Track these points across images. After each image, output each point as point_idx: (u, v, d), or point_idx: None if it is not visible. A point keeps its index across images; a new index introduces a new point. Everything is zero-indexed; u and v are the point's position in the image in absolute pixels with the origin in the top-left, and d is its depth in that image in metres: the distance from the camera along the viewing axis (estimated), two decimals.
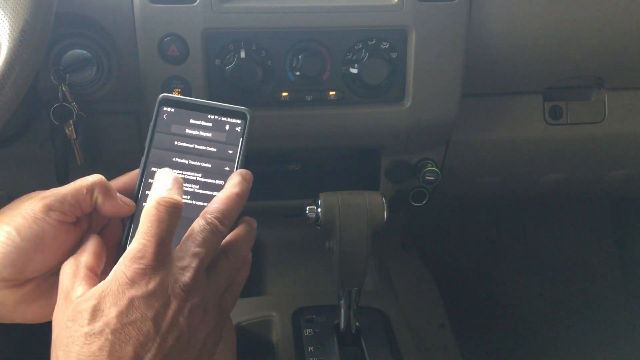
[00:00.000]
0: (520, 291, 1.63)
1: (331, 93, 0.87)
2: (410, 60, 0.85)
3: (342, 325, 0.90)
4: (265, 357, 0.95)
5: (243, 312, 0.98)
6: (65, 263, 0.55)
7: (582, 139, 1.03)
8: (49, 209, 0.55)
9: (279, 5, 0.82)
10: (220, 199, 0.58)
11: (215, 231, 0.56)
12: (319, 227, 0.80)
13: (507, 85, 0.98)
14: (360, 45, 0.85)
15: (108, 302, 0.50)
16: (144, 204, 0.60)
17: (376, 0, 0.83)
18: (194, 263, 0.53)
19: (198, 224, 0.56)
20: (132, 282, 0.50)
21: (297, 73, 0.84)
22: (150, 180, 0.61)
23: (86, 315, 0.49)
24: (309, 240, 1.18)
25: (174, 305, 0.51)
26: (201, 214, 0.56)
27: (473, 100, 0.96)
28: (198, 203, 0.61)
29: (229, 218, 0.57)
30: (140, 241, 0.52)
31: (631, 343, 1.51)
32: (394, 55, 0.85)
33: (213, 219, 0.56)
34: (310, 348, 0.90)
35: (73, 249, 0.58)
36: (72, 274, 0.54)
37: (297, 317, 0.96)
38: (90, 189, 0.57)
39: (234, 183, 0.59)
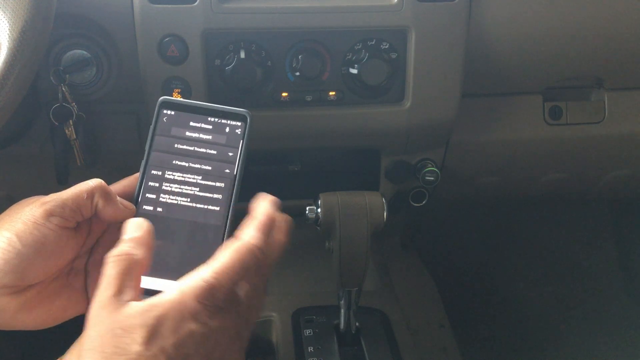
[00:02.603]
0: (520, 291, 1.63)
1: (331, 93, 0.87)
2: (410, 60, 0.85)
3: (342, 326, 0.90)
4: (265, 357, 0.95)
5: None
6: (114, 255, 0.52)
7: (582, 139, 1.03)
8: (49, 214, 0.55)
9: (278, 5, 0.82)
10: (275, 250, 0.57)
11: (264, 280, 0.56)
12: (318, 227, 0.80)
13: (507, 86, 0.98)
14: (360, 46, 0.85)
15: (167, 327, 0.48)
16: (144, 207, 0.60)
17: (376, 1, 0.83)
18: (249, 312, 0.54)
19: (259, 270, 0.55)
20: (196, 314, 0.49)
21: (297, 73, 0.84)
22: (150, 183, 0.61)
23: (142, 334, 0.48)
24: (309, 240, 1.18)
25: (222, 346, 0.51)
26: (264, 264, 0.55)
27: (473, 101, 0.96)
28: (198, 205, 0.61)
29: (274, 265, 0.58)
30: (217, 277, 0.51)
31: (631, 343, 1.51)
32: (393, 56, 0.85)
33: (269, 271, 0.56)
34: (310, 348, 0.90)
35: (74, 255, 0.58)
36: (122, 271, 0.51)
37: (297, 318, 0.96)
38: (91, 194, 0.57)
39: (283, 231, 0.59)
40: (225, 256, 0.52)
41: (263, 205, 0.58)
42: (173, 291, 0.50)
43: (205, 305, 0.50)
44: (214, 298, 0.50)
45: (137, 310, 0.49)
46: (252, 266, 0.53)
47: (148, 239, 0.54)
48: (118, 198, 0.58)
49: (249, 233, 0.55)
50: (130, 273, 0.51)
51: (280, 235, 0.59)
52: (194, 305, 0.49)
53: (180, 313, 0.49)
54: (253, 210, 0.58)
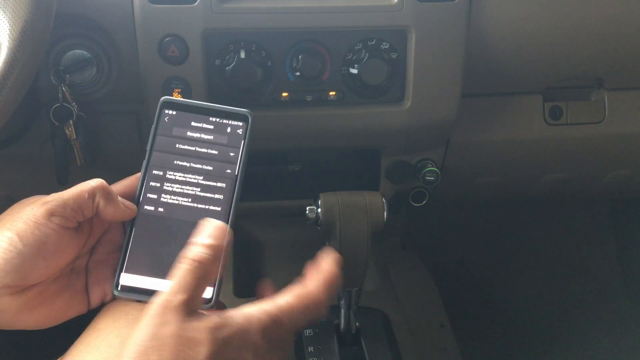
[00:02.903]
0: (520, 291, 1.63)
1: (331, 93, 0.87)
2: (410, 60, 0.85)
3: (342, 326, 0.90)
4: None
5: None
6: (194, 259, 0.52)
7: (582, 139, 1.03)
8: (50, 214, 0.55)
9: (278, 5, 0.82)
10: (313, 303, 0.57)
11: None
12: (319, 228, 0.80)
13: (507, 86, 0.98)
14: (360, 46, 0.85)
15: (229, 351, 0.50)
16: (145, 207, 0.60)
17: (376, 1, 0.83)
18: (281, 346, 0.55)
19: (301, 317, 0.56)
20: (256, 347, 0.51)
21: (297, 73, 0.84)
22: (152, 183, 0.61)
23: (207, 351, 0.48)
24: (309, 240, 1.18)
25: None
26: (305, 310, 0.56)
27: (473, 101, 0.96)
28: (199, 206, 0.61)
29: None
30: (281, 314, 0.53)
31: (631, 343, 1.51)
32: (394, 56, 0.85)
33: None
34: (310, 348, 0.90)
35: (75, 255, 0.58)
36: (199, 278, 0.51)
37: None
38: (92, 194, 0.57)
39: (325, 285, 0.58)
40: (293, 297, 0.54)
41: (330, 263, 0.59)
42: (239, 315, 0.51)
43: (266, 340, 0.51)
44: (274, 334, 0.52)
45: (207, 325, 0.49)
46: (309, 315, 0.55)
47: (227, 251, 0.55)
48: (119, 198, 0.58)
49: (317, 285, 0.56)
50: (204, 282, 0.52)
51: (321, 291, 0.59)
52: (257, 338, 0.51)
53: (244, 341, 0.50)
54: (321, 262, 0.59)
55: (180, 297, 0.50)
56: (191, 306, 0.50)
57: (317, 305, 0.55)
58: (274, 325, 0.52)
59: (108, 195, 0.57)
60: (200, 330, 0.49)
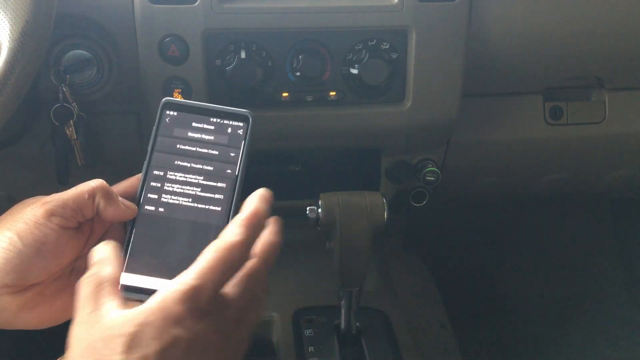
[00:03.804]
0: (520, 291, 1.63)
1: (331, 93, 0.87)
2: (411, 60, 0.85)
3: (342, 326, 0.90)
4: (265, 358, 0.95)
5: None
6: (84, 277, 0.52)
7: (582, 139, 1.03)
8: (50, 214, 0.55)
9: (279, 5, 0.82)
10: (266, 250, 0.56)
11: (260, 283, 0.55)
12: (319, 228, 0.80)
13: (507, 86, 0.98)
14: (361, 46, 0.85)
15: (149, 333, 0.47)
16: (146, 207, 0.60)
17: (376, 1, 0.83)
18: (238, 313, 0.52)
19: (250, 271, 0.54)
20: (180, 319, 0.48)
21: (298, 73, 0.84)
22: (152, 184, 0.61)
23: (122, 342, 0.46)
24: (309, 240, 1.18)
25: (209, 354, 0.50)
26: (252, 262, 0.54)
27: (473, 101, 0.96)
28: (200, 206, 0.61)
29: (270, 268, 0.57)
30: (198, 279, 0.49)
31: (631, 343, 1.51)
32: (394, 56, 0.85)
33: (263, 272, 0.55)
34: (311, 348, 0.90)
35: (75, 255, 0.58)
36: (94, 289, 0.51)
37: (297, 318, 0.96)
38: (92, 194, 0.56)
39: (274, 231, 0.57)
40: (206, 257, 0.50)
41: (249, 201, 0.56)
42: (156, 297, 0.49)
43: (189, 309, 0.48)
44: (197, 301, 0.48)
45: (118, 320, 0.48)
46: (236, 264, 0.51)
47: (112, 256, 0.54)
48: (120, 198, 0.58)
49: (229, 230, 0.53)
50: (102, 289, 0.51)
51: (270, 236, 0.57)
52: (177, 310, 0.48)
53: (163, 319, 0.47)
54: (244, 203, 0.56)
55: (84, 312, 0.50)
56: (98, 314, 0.49)
57: (235, 251, 0.51)
58: (194, 292, 0.48)
59: (108, 196, 0.57)
60: (110, 328, 0.47)
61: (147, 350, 0.46)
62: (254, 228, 0.53)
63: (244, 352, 0.55)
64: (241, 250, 0.52)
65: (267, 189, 0.57)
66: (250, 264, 0.54)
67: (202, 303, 0.49)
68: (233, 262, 0.51)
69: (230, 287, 0.52)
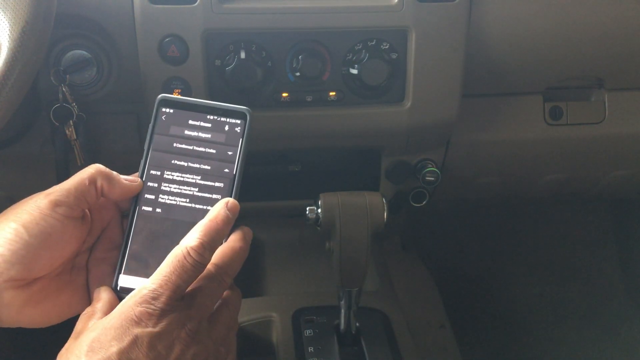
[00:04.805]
0: (520, 291, 1.63)
1: (331, 94, 0.87)
2: (410, 60, 0.85)
3: (342, 326, 0.90)
4: (265, 358, 0.95)
5: (243, 312, 0.97)
6: (83, 313, 0.57)
7: (582, 140, 1.03)
8: (55, 204, 0.55)
9: (279, 5, 0.82)
10: (226, 254, 0.58)
11: (222, 284, 0.57)
12: (319, 228, 0.80)
13: (507, 86, 0.98)
14: (361, 46, 0.85)
15: (109, 335, 0.50)
16: (143, 207, 0.60)
17: (376, 1, 0.83)
18: (201, 312, 0.55)
19: (209, 274, 0.56)
20: (139, 320, 0.51)
21: (297, 74, 0.84)
22: (150, 184, 0.61)
23: (85, 346, 0.50)
24: (309, 241, 1.18)
25: (177, 350, 0.52)
26: (211, 265, 0.57)
27: (473, 101, 0.96)
28: (197, 206, 0.60)
29: (233, 271, 0.58)
30: (157, 283, 0.52)
31: (631, 343, 1.51)
32: (394, 56, 0.85)
33: (222, 274, 0.57)
34: (311, 349, 0.90)
35: (77, 248, 0.59)
36: (86, 318, 0.55)
37: (297, 318, 0.96)
38: (92, 180, 0.58)
39: (237, 238, 0.60)
40: (166, 261, 0.54)
41: (212, 209, 0.59)
42: (121, 303, 0.53)
43: (147, 309, 0.51)
44: (156, 302, 0.52)
45: (87, 329, 0.52)
46: (189, 267, 0.53)
47: (112, 297, 0.58)
48: (120, 176, 0.59)
49: (187, 236, 0.56)
50: (93, 317, 0.55)
51: (231, 243, 0.59)
52: (136, 311, 0.51)
53: (124, 321, 0.51)
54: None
55: (67, 344, 0.54)
56: (76, 337, 0.53)
57: (187, 256, 0.54)
58: (152, 294, 0.52)
59: (109, 177, 0.59)
60: (78, 341, 0.52)
61: (109, 351, 0.49)
62: (211, 234, 0.56)
63: (228, 351, 0.58)
64: (197, 255, 0.54)
65: (234, 199, 0.60)
66: (209, 266, 0.57)
67: (161, 304, 0.52)
68: (190, 265, 0.53)
69: (191, 288, 0.55)
